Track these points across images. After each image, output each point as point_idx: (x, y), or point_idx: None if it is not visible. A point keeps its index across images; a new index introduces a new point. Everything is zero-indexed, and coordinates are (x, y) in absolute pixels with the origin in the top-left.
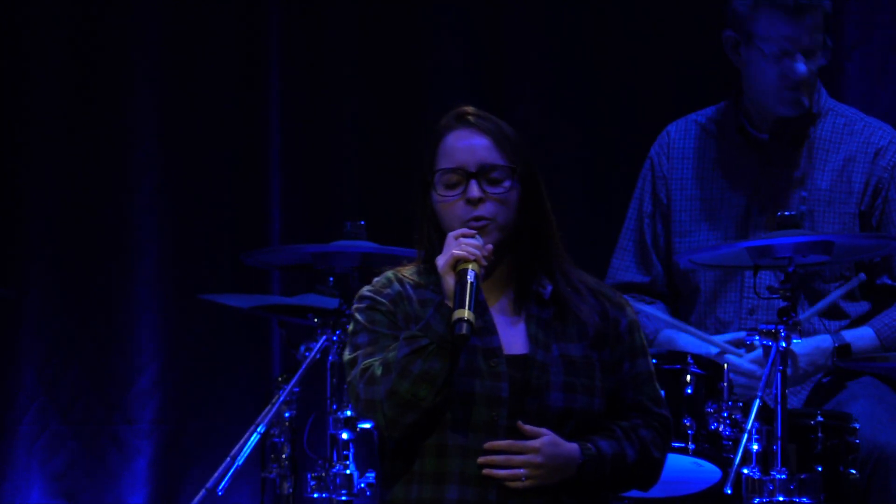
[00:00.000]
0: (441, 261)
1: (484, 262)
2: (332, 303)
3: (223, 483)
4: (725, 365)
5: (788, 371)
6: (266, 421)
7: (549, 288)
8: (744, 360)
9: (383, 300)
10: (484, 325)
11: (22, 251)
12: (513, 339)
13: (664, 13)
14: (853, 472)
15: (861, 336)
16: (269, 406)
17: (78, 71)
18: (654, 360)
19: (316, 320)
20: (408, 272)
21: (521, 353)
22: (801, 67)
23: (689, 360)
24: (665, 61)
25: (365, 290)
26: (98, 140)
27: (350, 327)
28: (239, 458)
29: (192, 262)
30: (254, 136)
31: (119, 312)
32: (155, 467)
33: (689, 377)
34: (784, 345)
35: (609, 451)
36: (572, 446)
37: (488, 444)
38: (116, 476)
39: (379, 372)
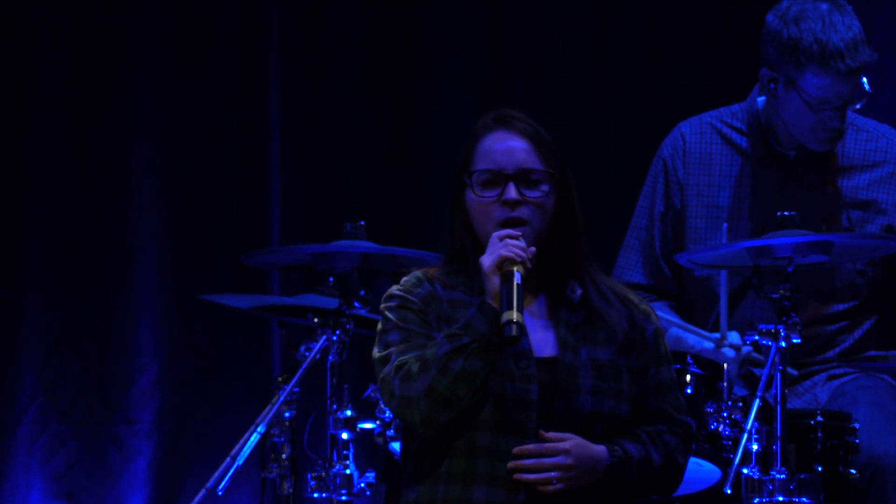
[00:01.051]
0: (487, 260)
1: (529, 265)
2: (332, 303)
3: (223, 483)
4: (725, 365)
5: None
6: (266, 421)
7: (580, 292)
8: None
9: (414, 299)
10: None
11: (22, 251)
12: (543, 341)
13: (664, 13)
14: (853, 472)
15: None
16: (270, 406)
17: (78, 70)
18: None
19: (316, 320)
20: (436, 272)
21: (550, 355)
22: (836, 123)
23: (689, 359)
24: (666, 61)
25: (395, 290)
26: (98, 140)
27: (379, 326)
28: (239, 458)
29: (192, 262)
30: (254, 136)
31: (119, 313)
32: (155, 467)
33: (688, 377)
34: (784, 344)
35: (636, 455)
36: (600, 448)
37: (517, 449)
38: (116, 476)
39: (416, 368)
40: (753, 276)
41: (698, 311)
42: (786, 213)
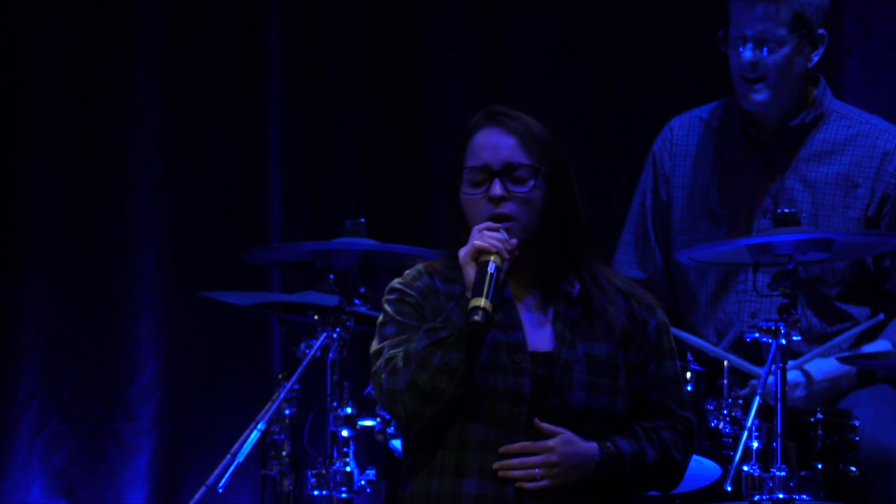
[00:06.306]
0: (463, 252)
1: (506, 255)
2: (332, 300)
3: (223, 480)
4: (725, 362)
5: (799, 392)
6: (266, 418)
7: (578, 287)
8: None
9: (412, 292)
10: (510, 321)
11: (23, 248)
12: (539, 336)
13: (666, 7)
14: (853, 469)
15: (881, 350)
16: (270, 403)
17: (77, 68)
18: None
19: (316, 317)
20: (439, 266)
21: (545, 350)
22: (747, 54)
23: (689, 356)
24: (667, 55)
25: (395, 283)
26: (98, 137)
27: (379, 318)
28: (239, 455)
29: (192, 259)
30: (254, 133)
31: (119, 310)
32: (155, 465)
33: (689, 374)
34: (784, 342)
35: (628, 451)
36: (591, 445)
37: (503, 449)
38: (117, 474)
39: (401, 363)
40: (753, 273)
41: (684, 307)
42: (786, 209)
